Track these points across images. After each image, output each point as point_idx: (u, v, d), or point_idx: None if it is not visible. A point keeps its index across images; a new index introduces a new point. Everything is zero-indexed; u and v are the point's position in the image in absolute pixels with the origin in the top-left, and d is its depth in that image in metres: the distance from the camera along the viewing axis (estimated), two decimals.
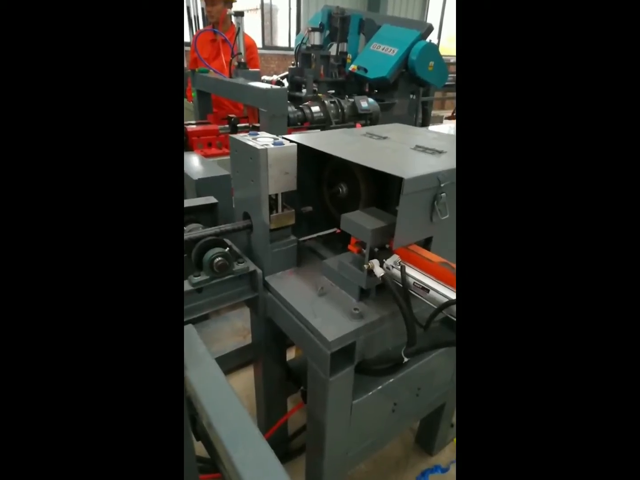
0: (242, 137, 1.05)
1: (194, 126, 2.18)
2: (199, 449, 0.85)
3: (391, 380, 1.10)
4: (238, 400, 0.63)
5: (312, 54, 4.17)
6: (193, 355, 0.70)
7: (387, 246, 0.94)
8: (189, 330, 0.76)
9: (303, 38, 4.33)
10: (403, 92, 4.49)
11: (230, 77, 2.38)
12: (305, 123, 2.62)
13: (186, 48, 4.80)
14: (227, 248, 0.98)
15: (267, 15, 7.85)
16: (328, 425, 1.02)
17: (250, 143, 0.99)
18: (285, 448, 1.53)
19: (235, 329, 1.94)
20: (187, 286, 0.94)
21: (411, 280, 0.84)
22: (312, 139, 1.15)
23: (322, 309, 0.97)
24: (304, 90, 4.09)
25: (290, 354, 1.63)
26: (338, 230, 1.34)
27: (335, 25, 4.66)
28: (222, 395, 0.63)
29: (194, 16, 4.79)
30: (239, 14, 2.32)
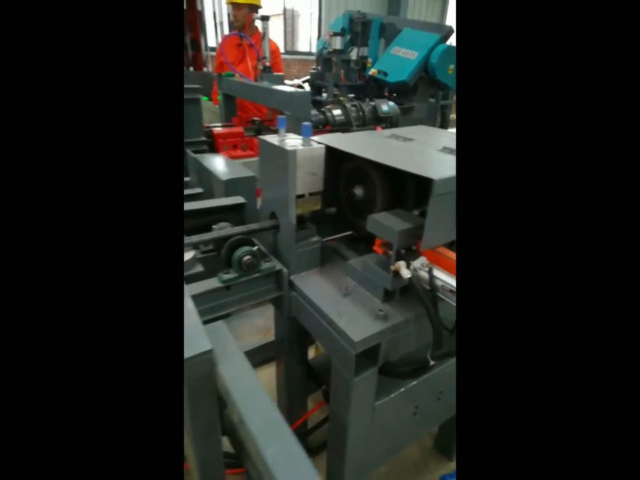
0: (271, 138, 1.07)
1: (220, 129, 2.22)
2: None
3: (414, 383, 1.10)
4: (269, 397, 0.64)
5: (333, 58, 4.21)
6: (224, 351, 0.71)
7: (414, 248, 0.94)
8: (220, 326, 0.77)
9: (324, 43, 4.38)
10: (422, 96, 4.48)
11: (256, 80, 2.42)
12: (326, 126, 2.65)
13: (212, 53, 4.91)
14: (256, 247, 1.00)
15: (289, 21, 7.94)
16: (350, 426, 1.02)
17: (279, 144, 1.01)
18: (305, 447, 1.54)
19: (256, 326, 1.97)
20: (216, 283, 0.96)
21: (439, 283, 0.84)
22: (339, 140, 1.16)
23: (347, 310, 0.98)
24: (325, 94, 4.13)
25: (310, 354, 1.63)
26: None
27: (356, 30, 4.70)
28: (253, 392, 0.65)
29: (219, 22, 4.89)
30: (265, 19, 2.37)
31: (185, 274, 0.81)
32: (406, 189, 1.11)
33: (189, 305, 0.72)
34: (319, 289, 1.07)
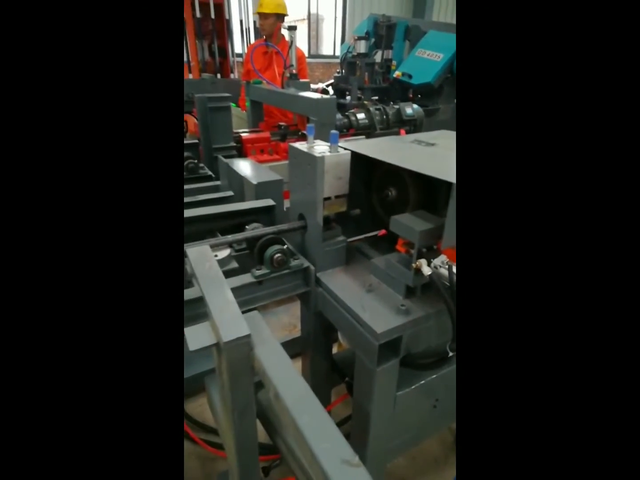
0: (300, 145, 1.15)
1: (248, 134, 2.33)
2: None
3: (434, 377, 1.15)
4: (300, 375, 0.72)
5: (358, 62, 4.28)
6: (260, 336, 0.80)
7: (435, 247, 1.00)
8: (255, 315, 0.86)
9: (349, 47, 4.46)
10: (447, 98, 4.47)
11: (283, 87, 2.52)
12: (350, 129, 2.71)
13: (238, 59, 5.08)
14: (285, 245, 1.08)
15: (313, 25, 8.06)
16: (373, 414, 1.09)
17: (308, 151, 1.09)
18: None
19: (282, 323, 2.06)
20: (249, 278, 1.05)
21: None
22: (364, 146, 1.23)
23: (371, 304, 1.04)
24: (348, 97, 4.20)
25: (333, 350, 1.71)
26: (381, 232, 1.42)
27: (381, 33, 4.74)
28: (286, 371, 0.73)
29: (246, 28, 5.06)
30: (292, 29, 2.47)
31: (222, 269, 0.90)
32: (438, 191, 1.17)
33: (229, 297, 0.80)
34: (343, 286, 1.14)
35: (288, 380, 0.70)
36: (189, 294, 0.97)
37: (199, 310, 1.00)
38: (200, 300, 1.00)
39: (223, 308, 0.76)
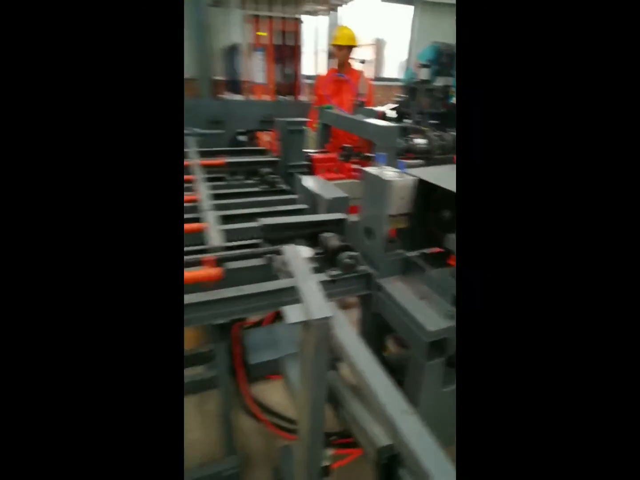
0: (372, 170, 1.38)
1: (317, 154, 2.62)
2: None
3: None
4: (368, 350, 0.93)
5: (419, 88, 4.48)
6: (337, 320, 1.01)
7: None
8: (333, 305, 1.07)
9: (412, 73, 4.67)
10: None
11: (352, 113, 2.80)
12: (409, 154, 2.90)
13: (309, 81, 5.51)
14: (357, 253, 1.30)
15: (378, 50, 8.38)
16: (421, 406, 1.26)
17: (379, 175, 1.31)
18: None
19: None
20: (325, 277, 1.28)
21: None
22: (426, 173, 1.43)
23: (423, 309, 1.23)
24: (408, 121, 4.38)
25: None
26: (437, 250, 1.59)
27: (442, 61, 4.90)
28: (358, 346, 0.94)
29: (315, 53, 5.51)
30: (363, 62, 2.74)
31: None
32: None
33: (316, 286, 1.03)
34: (400, 292, 1.33)
35: (360, 354, 0.91)
36: (279, 284, 1.21)
37: (284, 299, 1.24)
38: (283, 290, 1.24)
39: (312, 294, 0.99)
